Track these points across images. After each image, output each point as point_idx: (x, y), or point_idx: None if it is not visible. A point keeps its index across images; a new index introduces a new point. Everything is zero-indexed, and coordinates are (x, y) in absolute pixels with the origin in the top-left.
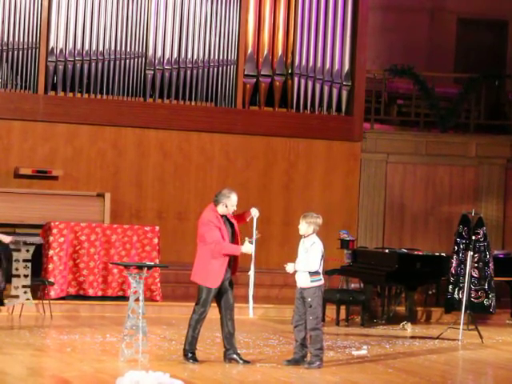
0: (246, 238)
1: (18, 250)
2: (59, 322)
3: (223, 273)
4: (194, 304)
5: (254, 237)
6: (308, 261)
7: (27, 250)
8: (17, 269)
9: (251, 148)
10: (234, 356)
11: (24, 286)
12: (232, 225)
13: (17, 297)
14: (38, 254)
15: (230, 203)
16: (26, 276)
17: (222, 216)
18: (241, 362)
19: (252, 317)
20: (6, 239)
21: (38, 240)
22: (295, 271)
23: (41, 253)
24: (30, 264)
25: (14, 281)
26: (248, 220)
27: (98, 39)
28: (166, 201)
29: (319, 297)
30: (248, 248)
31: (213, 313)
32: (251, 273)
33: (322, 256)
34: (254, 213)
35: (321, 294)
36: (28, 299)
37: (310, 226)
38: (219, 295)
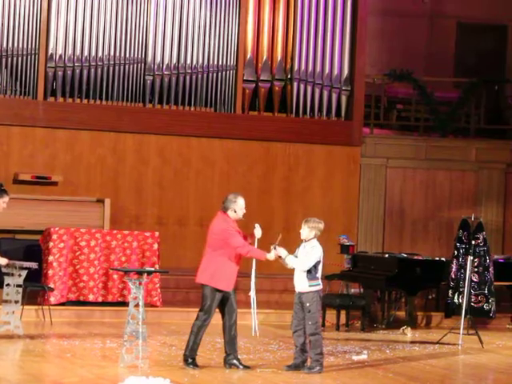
0: (272, 246)
1: (11, 275)
2: (59, 328)
3: (235, 277)
4: (193, 309)
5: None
6: (303, 259)
7: (19, 275)
8: (7, 294)
9: (251, 153)
10: (234, 361)
11: (15, 312)
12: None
13: (7, 323)
14: (37, 260)
15: (238, 207)
16: (16, 302)
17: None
18: (241, 367)
19: (254, 335)
20: (2, 261)
21: (32, 265)
22: (294, 277)
23: (40, 258)
24: (21, 289)
25: (5, 307)
26: (250, 242)
27: (97, 45)
28: (166, 206)
29: (318, 302)
30: (272, 256)
31: (213, 318)
32: (252, 293)
33: (320, 261)
34: (257, 231)
35: (319, 299)
36: (17, 326)
37: (312, 231)
38: (222, 300)
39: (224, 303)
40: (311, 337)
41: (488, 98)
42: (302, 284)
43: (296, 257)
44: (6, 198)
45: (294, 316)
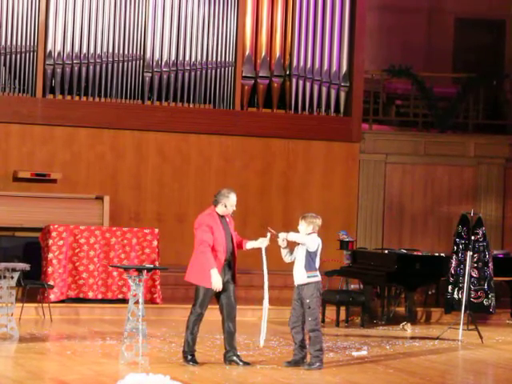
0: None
1: (3, 277)
2: (59, 326)
3: (220, 270)
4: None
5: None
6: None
7: (12, 277)
8: (0, 296)
9: (250, 149)
10: (234, 358)
11: (9, 314)
12: (228, 228)
13: (3, 326)
14: (37, 257)
15: (229, 203)
16: (10, 304)
17: (220, 216)
18: (241, 363)
19: (262, 346)
20: None
21: (25, 266)
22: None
23: (40, 256)
24: (14, 291)
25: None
26: (245, 249)
27: (96, 42)
28: (165, 203)
29: (318, 297)
30: (215, 281)
31: (213, 315)
32: (265, 301)
33: (316, 253)
34: (264, 242)
35: (319, 295)
36: (13, 328)
37: (310, 226)
38: (220, 296)
39: (222, 298)
40: (311, 333)
41: (486, 93)
42: (300, 276)
43: (291, 254)
44: None
45: (292, 312)
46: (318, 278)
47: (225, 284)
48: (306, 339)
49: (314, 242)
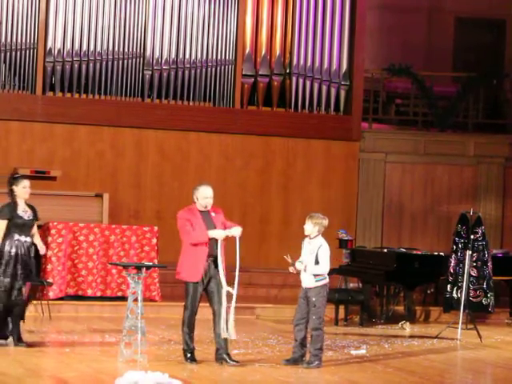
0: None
1: None
2: (58, 323)
3: (202, 265)
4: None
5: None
6: (319, 264)
7: None
8: None
9: (250, 148)
10: (224, 356)
11: None
12: (213, 223)
13: None
14: (36, 255)
15: (199, 196)
16: None
17: (202, 212)
18: (230, 362)
19: (233, 338)
20: (43, 250)
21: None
22: (298, 271)
23: (39, 253)
24: None
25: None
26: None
27: (96, 39)
28: (165, 201)
29: (324, 297)
30: (217, 233)
31: (211, 313)
32: (234, 291)
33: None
34: (236, 232)
35: (326, 294)
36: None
37: (316, 227)
38: (209, 294)
39: (211, 297)
40: (314, 331)
41: (486, 92)
42: (308, 280)
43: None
44: (25, 183)
45: (297, 310)
46: (326, 281)
47: (212, 283)
48: (308, 338)
49: (328, 253)
